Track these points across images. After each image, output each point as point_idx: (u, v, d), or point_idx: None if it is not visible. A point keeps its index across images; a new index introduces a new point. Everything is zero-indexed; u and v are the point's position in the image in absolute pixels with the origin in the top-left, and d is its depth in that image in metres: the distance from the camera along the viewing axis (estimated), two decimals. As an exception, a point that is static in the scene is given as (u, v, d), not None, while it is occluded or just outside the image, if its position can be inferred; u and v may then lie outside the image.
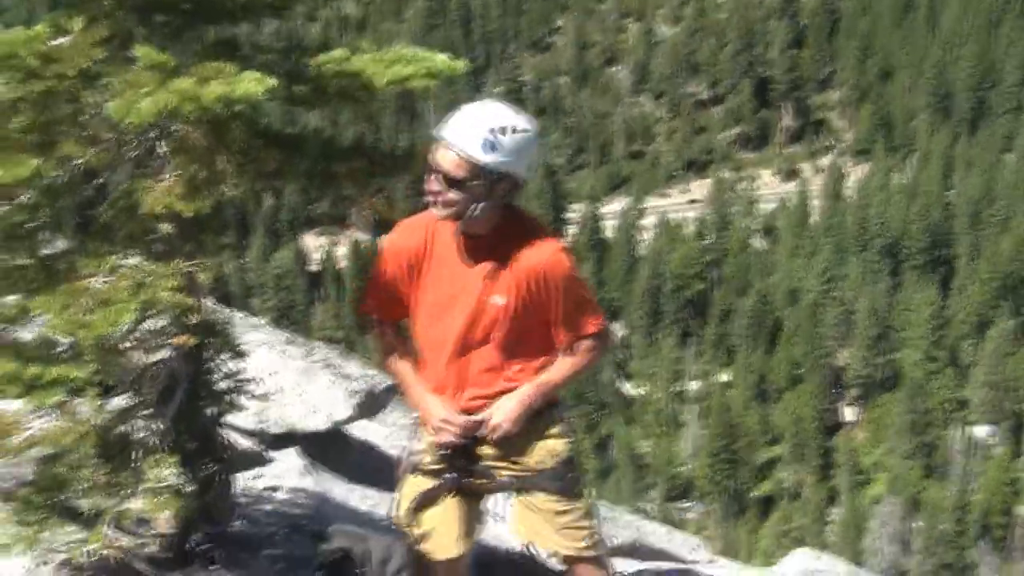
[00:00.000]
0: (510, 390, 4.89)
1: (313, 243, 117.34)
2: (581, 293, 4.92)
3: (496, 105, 4.76)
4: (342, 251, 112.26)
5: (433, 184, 4.70)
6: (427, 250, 4.91)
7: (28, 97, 5.12)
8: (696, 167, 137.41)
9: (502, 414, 4.87)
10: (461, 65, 5.64)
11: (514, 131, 4.62)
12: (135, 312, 4.90)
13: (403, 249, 4.98)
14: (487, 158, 4.57)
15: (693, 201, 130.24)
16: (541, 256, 4.78)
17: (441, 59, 5.49)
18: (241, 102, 4.62)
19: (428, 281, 4.92)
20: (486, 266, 4.81)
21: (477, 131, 4.58)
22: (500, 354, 4.89)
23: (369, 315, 5.22)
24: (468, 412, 4.93)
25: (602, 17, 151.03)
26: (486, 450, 5.01)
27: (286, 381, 9.37)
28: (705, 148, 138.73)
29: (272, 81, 4.80)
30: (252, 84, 4.67)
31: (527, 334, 4.88)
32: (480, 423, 4.91)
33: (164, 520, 5.91)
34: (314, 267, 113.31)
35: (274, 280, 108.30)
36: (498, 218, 4.77)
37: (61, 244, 5.54)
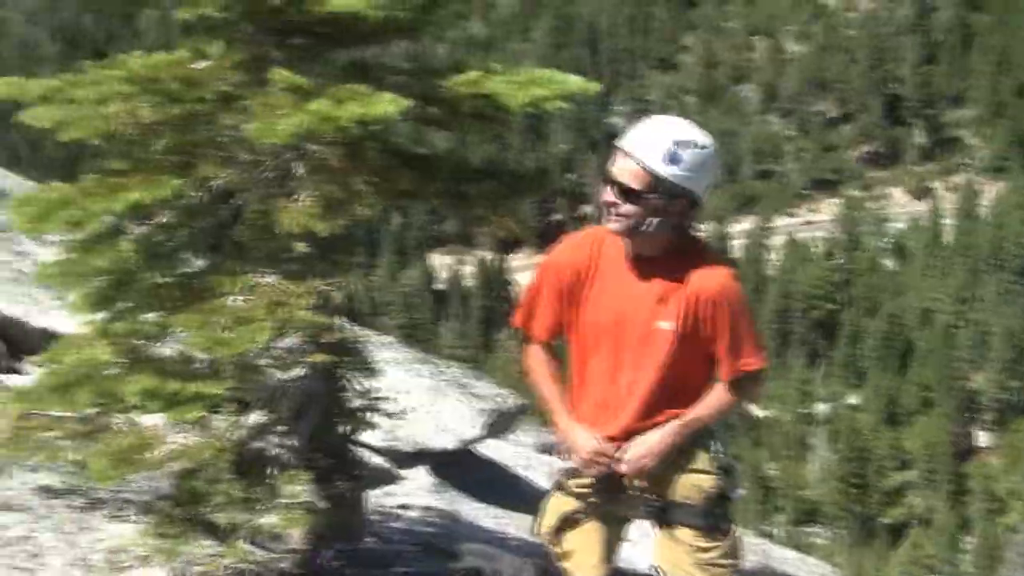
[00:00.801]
0: (664, 421, 4.69)
1: (440, 261, 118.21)
2: (747, 326, 4.72)
3: (678, 119, 4.58)
4: (469, 270, 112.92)
5: (608, 195, 4.52)
6: (592, 267, 4.71)
7: (169, 119, 5.24)
8: (825, 186, 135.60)
9: (643, 449, 4.75)
10: (594, 86, 5.64)
11: (696, 146, 4.46)
12: (271, 330, 4.97)
13: (566, 265, 4.76)
14: (668, 171, 4.42)
15: (808, 223, 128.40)
16: (712, 283, 4.59)
17: (575, 80, 5.49)
18: (376, 123, 4.67)
19: (590, 300, 4.72)
20: (654, 289, 4.61)
21: (660, 143, 4.43)
22: (658, 383, 4.67)
23: (521, 329, 5.00)
24: (617, 440, 4.75)
25: (730, 35, 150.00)
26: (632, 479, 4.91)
27: (416, 400, 9.43)
28: (834, 167, 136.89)
29: (406, 102, 4.84)
30: (387, 105, 4.72)
31: (689, 364, 4.67)
32: (615, 455, 4.79)
33: (296, 536, 5.98)
34: (440, 285, 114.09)
35: (401, 298, 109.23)
36: (670, 239, 4.59)
37: (199, 263, 5.65)
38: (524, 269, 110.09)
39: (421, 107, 5.35)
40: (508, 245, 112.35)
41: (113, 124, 5.23)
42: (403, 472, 9.09)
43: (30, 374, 8.61)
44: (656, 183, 4.44)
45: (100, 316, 5.70)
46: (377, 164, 5.28)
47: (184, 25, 5.40)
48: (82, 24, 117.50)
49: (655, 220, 4.50)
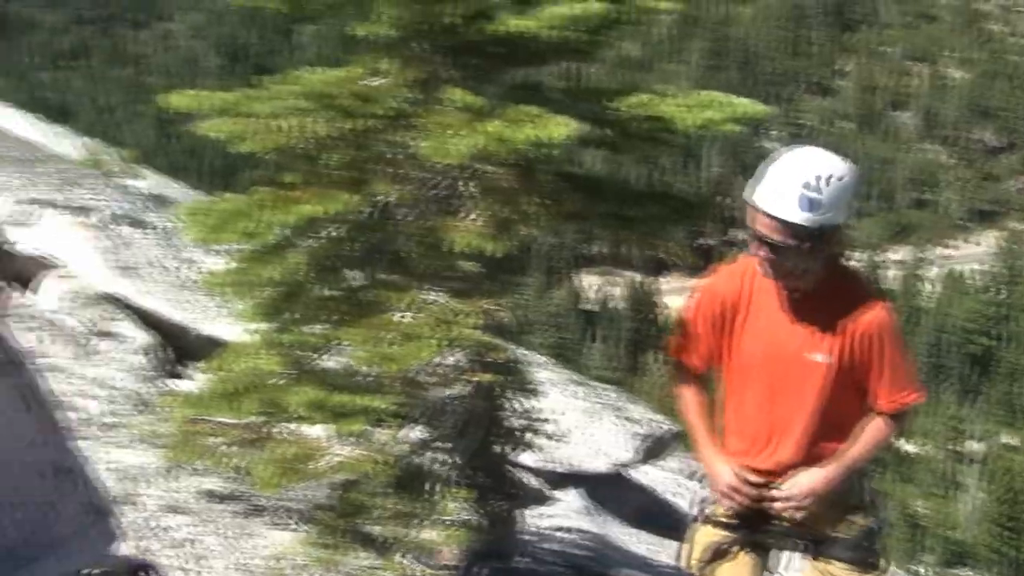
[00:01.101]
0: (818, 458, 4.59)
1: (589, 282, 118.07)
2: (904, 358, 4.61)
3: (804, 154, 4.42)
4: (618, 291, 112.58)
5: (756, 249, 4.42)
6: (746, 299, 4.62)
7: (342, 135, 5.31)
8: (984, 217, 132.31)
9: (806, 490, 4.59)
10: (764, 110, 5.57)
11: (829, 180, 4.29)
12: (437, 347, 4.99)
13: (720, 296, 4.68)
14: (807, 217, 4.26)
15: (966, 255, 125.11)
16: (869, 316, 4.49)
17: (744, 103, 5.44)
18: (550, 146, 4.66)
19: (744, 332, 4.64)
20: (808, 322, 4.52)
21: (790, 191, 4.26)
22: (813, 417, 4.58)
23: (675, 360, 4.93)
24: (771, 474, 4.66)
25: (888, 60, 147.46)
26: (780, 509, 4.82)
27: (571, 421, 9.39)
28: (994, 197, 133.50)
29: (579, 125, 4.83)
30: (562, 128, 4.71)
31: (843, 398, 4.56)
32: (773, 494, 4.72)
33: (450, 553, 6.00)
34: (589, 306, 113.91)
35: (549, 318, 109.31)
36: (823, 271, 4.48)
37: (366, 278, 5.70)
38: (674, 292, 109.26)
39: (593, 130, 5.34)
40: (658, 267, 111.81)
41: (287, 138, 5.31)
42: (555, 493, 9.06)
43: (194, 380, 8.80)
44: (799, 231, 4.29)
45: (266, 326, 5.81)
46: (547, 186, 5.28)
47: (355, 41, 5.46)
48: (242, 38, 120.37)
49: (806, 262, 4.39)
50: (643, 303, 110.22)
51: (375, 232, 5.47)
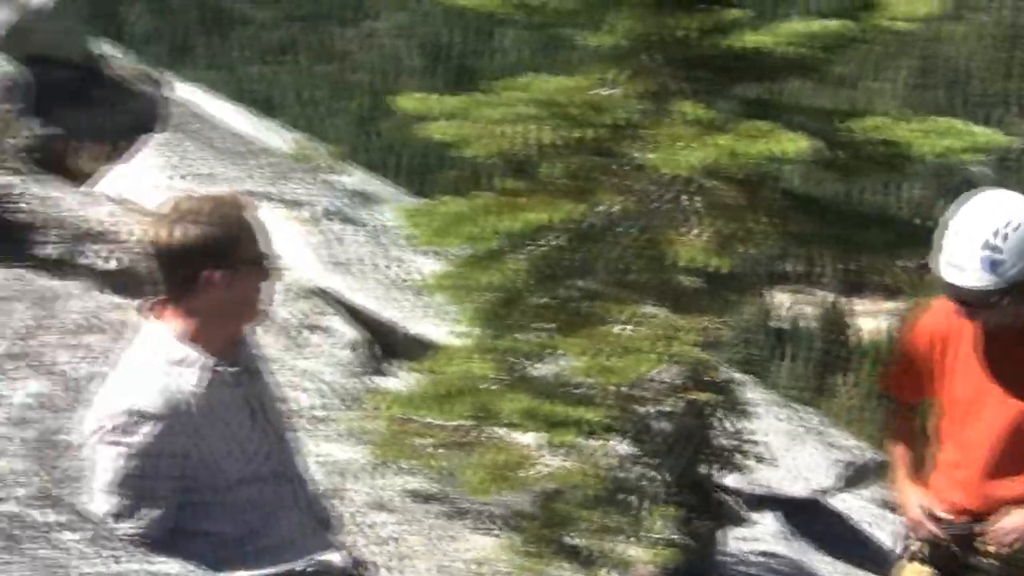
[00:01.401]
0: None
1: (779, 299, 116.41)
2: None
3: (979, 207, 4.18)
4: (810, 310, 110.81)
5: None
6: (955, 337, 4.47)
7: (567, 143, 5.29)
8: None
9: (1015, 526, 4.44)
10: (1002, 140, 5.39)
11: (1007, 234, 4.06)
12: (657, 363, 4.93)
13: (931, 332, 4.55)
14: (995, 278, 4.08)
15: None
16: None
17: (983, 133, 5.28)
18: (781, 163, 4.57)
19: (953, 371, 4.49)
20: (1018, 361, 4.37)
21: (970, 259, 4.07)
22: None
23: (887, 393, 4.92)
24: (979, 514, 4.51)
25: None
26: (987, 547, 4.69)
27: (773, 443, 9.22)
28: None
29: (810, 143, 4.72)
30: (794, 145, 4.61)
31: None
32: (983, 529, 4.58)
33: (648, 570, 5.92)
34: (779, 323, 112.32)
35: (738, 333, 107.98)
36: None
37: (584, 288, 5.67)
38: (867, 314, 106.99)
39: (823, 149, 5.21)
40: (853, 288, 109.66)
41: (511, 144, 5.31)
42: (752, 515, 8.89)
43: (398, 378, 8.89)
44: (987, 294, 4.12)
45: (480, 331, 5.82)
46: (773, 204, 5.17)
47: (565, 49, 5.46)
48: (444, 39, 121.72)
49: (1004, 311, 4.21)
50: (835, 324, 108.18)
51: (596, 242, 5.43)
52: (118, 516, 2.97)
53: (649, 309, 5.29)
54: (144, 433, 2.95)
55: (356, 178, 19.05)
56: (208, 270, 3.02)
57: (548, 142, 5.25)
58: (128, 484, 2.98)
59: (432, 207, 5.51)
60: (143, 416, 2.95)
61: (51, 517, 2.57)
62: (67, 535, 2.52)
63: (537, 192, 5.28)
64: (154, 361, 3.05)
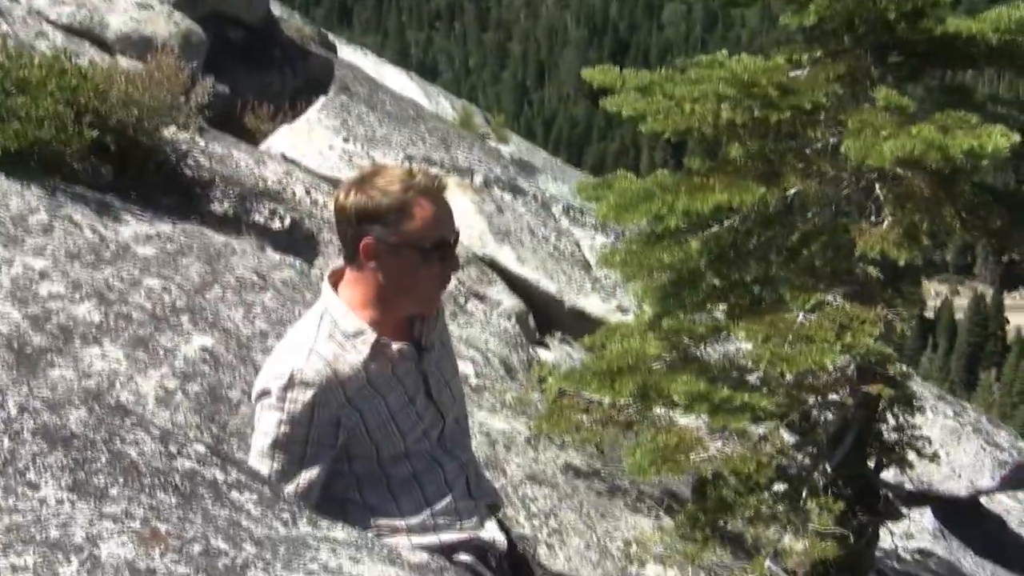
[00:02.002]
0: None
1: (931, 288, 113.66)
2: None
3: None
4: (960, 302, 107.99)
5: None
6: None
7: (756, 125, 5.16)
8: None
9: None
10: None
11: None
12: (836, 354, 4.80)
13: None
14: None
15: None
16: None
17: None
18: (986, 157, 4.37)
19: None
20: None
21: None
22: None
23: None
24: None
25: None
26: None
27: (935, 439, 9.01)
28: None
29: (1018, 137, 4.53)
30: (999, 139, 4.42)
31: None
32: None
33: (799, 561, 5.81)
34: (928, 314, 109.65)
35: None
36: None
37: (760, 272, 5.55)
38: (1021, 309, 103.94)
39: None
40: (1008, 281, 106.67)
41: (694, 121, 5.21)
42: (906, 511, 8.69)
43: (554, 351, 8.86)
44: None
45: (650, 310, 5.74)
46: (969, 198, 4.98)
47: (732, 27, 5.30)
48: (606, 11, 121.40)
49: None
50: (986, 317, 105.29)
51: (779, 227, 5.31)
52: (271, 480, 2.99)
53: (830, 298, 5.15)
54: (302, 401, 2.95)
55: (514, 146, 19.12)
56: (369, 237, 2.99)
57: (738, 122, 5.13)
58: (283, 448, 3.00)
59: (611, 182, 5.43)
60: (304, 383, 2.96)
61: (223, 476, 2.57)
62: (236, 494, 2.51)
63: (724, 173, 5.16)
64: (325, 331, 3.05)
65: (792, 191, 5.16)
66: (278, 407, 3.00)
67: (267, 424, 3.03)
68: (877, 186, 5.08)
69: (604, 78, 5.48)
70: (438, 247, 3.06)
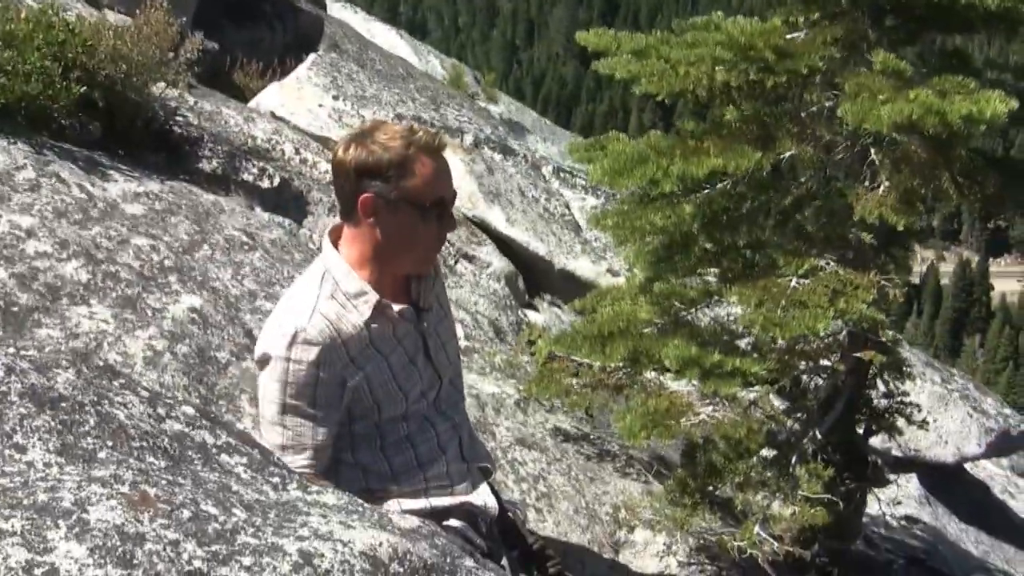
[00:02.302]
0: None
1: (918, 254, 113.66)
2: None
3: None
4: (946, 268, 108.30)
5: None
6: None
7: (751, 88, 5.12)
8: None
9: None
10: None
11: None
12: (830, 320, 4.77)
13: None
14: None
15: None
16: None
17: None
18: (985, 123, 4.33)
19: None
20: None
21: None
22: None
23: None
24: None
25: None
26: None
27: (921, 405, 9.03)
28: None
29: (1015, 103, 4.49)
30: (998, 105, 4.38)
31: None
32: None
33: (787, 527, 5.81)
34: (914, 279, 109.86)
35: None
36: None
37: (752, 236, 5.52)
38: (1004, 276, 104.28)
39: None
40: (993, 248, 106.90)
41: (688, 84, 5.16)
42: (892, 477, 8.72)
43: (540, 311, 8.84)
44: None
45: (641, 273, 5.71)
46: (965, 163, 4.95)
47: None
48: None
49: None
50: (972, 283, 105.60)
51: (772, 191, 5.27)
52: (285, 448, 2.96)
53: (820, 263, 5.12)
54: (306, 361, 2.91)
55: (504, 107, 19.03)
56: (368, 192, 2.95)
57: (733, 85, 5.08)
58: (292, 412, 2.96)
59: (604, 143, 5.38)
60: (308, 343, 2.91)
61: (212, 439, 2.54)
62: (226, 458, 2.49)
63: (718, 136, 5.11)
64: (327, 290, 3.01)
65: (786, 155, 5.12)
66: (282, 371, 2.94)
67: (272, 392, 2.98)
68: (872, 151, 5.04)
69: (599, 41, 5.42)
70: (436, 205, 3.02)
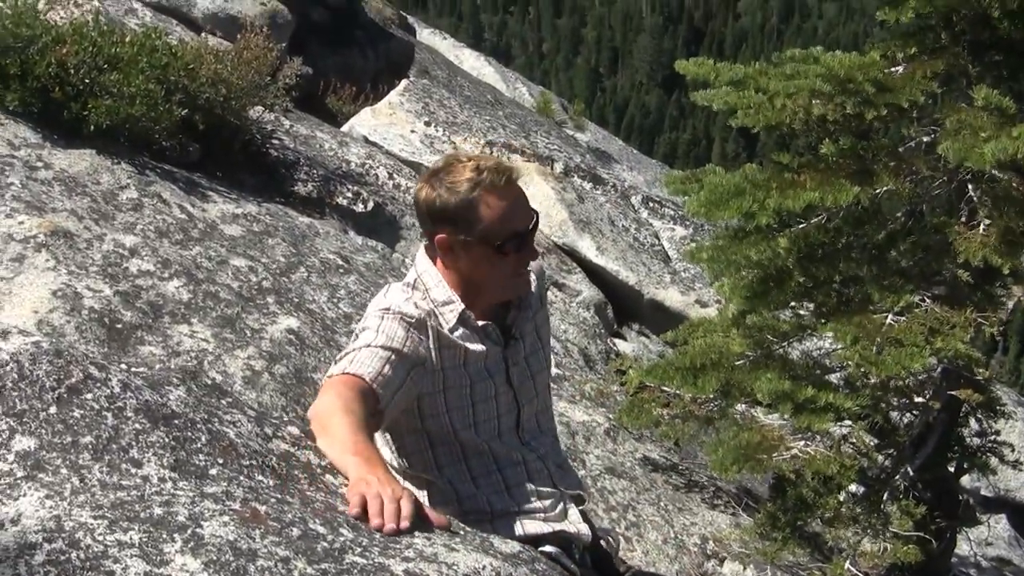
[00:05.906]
0: None
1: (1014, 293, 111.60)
2: None
3: None
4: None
5: None
6: None
7: (849, 121, 5.09)
8: None
9: None
10: None
11: None
12: (927, 358, 4.73)
13: None
14: None
15: None
16: None
17: None
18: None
19: None
20: None
21: None
22: None
23: None
24: None
25: None
26: None
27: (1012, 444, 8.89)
28: None
29: None
30: (1115, 143, 4.32)
31: None
32: None
33: (876, 565, 5.75)
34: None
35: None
36: None
37: (848, 271, 5.48)
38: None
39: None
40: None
41: (784, 117, 5.15)
42: (984, 517, 8.58)
43: (628, 340, 8.84)
44: None
45: (735, 306, 5.69)
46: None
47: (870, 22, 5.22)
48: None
49: None
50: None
51: (869, 226, 5.24)
52: (339, 366, 2.95)
53: (915, 299, 5.08)
54: (399, 320, 2.94)
55: (590, 135, 19.08)
56: (442, 234, 2.99)
57: (829, 119, 5.06)
58: (368, 349, 2.90)
59: (700, 176, 5.39)
60: (402, 313, 2.94)
61: (316, 459, 2.58)
62: (330, 478, 2.52)
63: (814, 170, 5.09)
64: (418, 294, 3.06)
65: (883, 190, 5.09)
66: (375, 326, 2.97)
67: (361, 340, 2.98)
68: (970, 187, 4.99)
69: (698, 70, 5.43)
70: (511, 239, 3.04)
